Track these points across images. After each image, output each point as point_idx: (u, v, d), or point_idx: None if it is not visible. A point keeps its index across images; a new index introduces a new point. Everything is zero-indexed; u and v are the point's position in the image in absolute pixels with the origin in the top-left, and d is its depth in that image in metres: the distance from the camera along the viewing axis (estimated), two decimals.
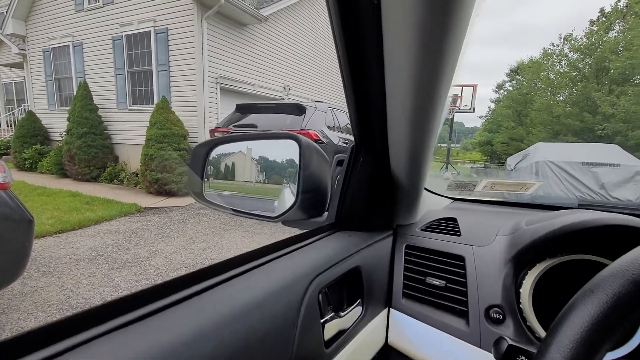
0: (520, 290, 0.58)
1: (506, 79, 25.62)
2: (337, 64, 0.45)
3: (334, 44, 0.44)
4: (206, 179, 0.73)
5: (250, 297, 0.36)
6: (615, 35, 14.75)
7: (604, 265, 0.58)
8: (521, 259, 0.60)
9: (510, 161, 8.11)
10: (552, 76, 17.21)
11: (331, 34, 0.41)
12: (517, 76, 23.26)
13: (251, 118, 4.94)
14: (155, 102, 6.38)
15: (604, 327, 0.27)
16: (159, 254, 3.29)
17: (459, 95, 11.91)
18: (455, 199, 1.13)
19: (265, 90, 8.43)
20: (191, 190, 0.71)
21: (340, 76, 0.48)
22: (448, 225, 0.79)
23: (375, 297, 0.62)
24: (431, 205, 1.01)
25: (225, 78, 7.00)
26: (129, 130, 7.25)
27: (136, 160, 6.42)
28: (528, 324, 0.57)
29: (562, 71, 16.82)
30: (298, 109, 5.16)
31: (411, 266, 0.69)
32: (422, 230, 0.78)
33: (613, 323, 0.27)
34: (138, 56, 7.03)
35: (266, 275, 0.42)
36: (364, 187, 0.66)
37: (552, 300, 0.57)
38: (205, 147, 0.71)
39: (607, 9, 16.51)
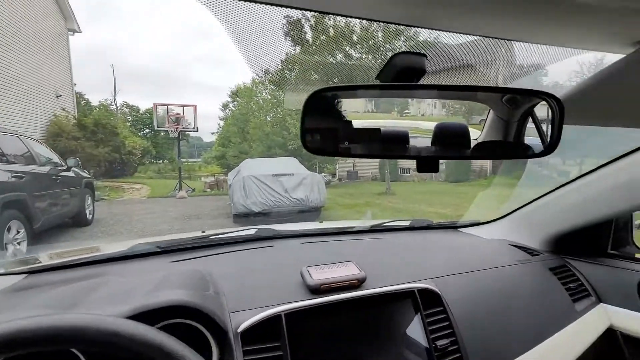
0: None
1: (229, 99, 29.11)
2: None
3: None
4: None
5: None
6: None
7: None
8: None
9: (230, 176, 9.25)
10: (261, 101, 21.33)
11: None
12: (237, 98, 26.97)
13: None
14: None
15: None
16: None
17: (182, 114, 12.21)
18: (31, 272, 1.08)
19: None
20: None
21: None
22: None
23: None
24: None
25: None
26: None
27: None
28: None
29: (267, 98, 21.20)
30: None
31: None
32: None
33: None
34: None
35: None
36: None
37: None
38: None
39: None
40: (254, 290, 0.97)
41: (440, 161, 0.52)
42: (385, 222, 1.74)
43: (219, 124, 30.44)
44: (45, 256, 1.07)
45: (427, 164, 0.48)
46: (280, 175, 7.35)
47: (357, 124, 0.46)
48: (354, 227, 1.69)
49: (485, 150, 0.54)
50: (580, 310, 1.19)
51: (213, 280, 0.97)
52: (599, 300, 1.27)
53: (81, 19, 13.37)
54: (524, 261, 1.29)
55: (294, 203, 7.37)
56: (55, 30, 12.47)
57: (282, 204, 7.28)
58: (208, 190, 12.87)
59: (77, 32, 13.82)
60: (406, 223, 1.76)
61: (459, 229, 1.75)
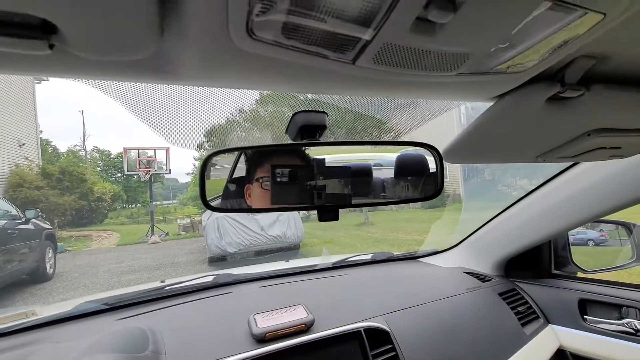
0: None
1: (204, 139, 29.15)
2: None
3: None
4: None
5: None
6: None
7: None
8: None
9: (204, 217, 9.01)
10: (235, 139, 21.57)
11: None
12: (212, 137, 27.08)
13: None
14: None
15: None
16: None
17: (154, 157, 12.04)
18: None
19: None
20: None
21: None
22: None
23: None
24: None
25: None
26: None
27: None
28: None
29: (242, 135, 21.48)
30: None
31: None
32: None
33: None
34: None
35: None
36: None
37: None
38: None
39: None
40: (199, 344, 0.94)
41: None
42: (347, 258, 1.75)
43: (194, 164, 30.10)
44: None
45: (327, 212, 0.51)
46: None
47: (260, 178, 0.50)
48: (316, 265, 1.68)
49: (383, 193, 0.58)
50: (529, 333, 1.22)
51: (155, 338, 0.93)
52: (548, 321, 1.31)
53: None
54: (474, 288, 1.32)
55: (270, 241, 7.24)
56: (20, 80, 12.30)
57: (259, 243, 7.12)
58: (183, 233, 12.42)
59: (44, 80, 13.69)
60: (368, 257, 1.78)
61: (418, 259, 1.79)
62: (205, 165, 0.48)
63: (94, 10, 0.21)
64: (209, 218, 8.01)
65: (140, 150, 11.98)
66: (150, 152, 12.02)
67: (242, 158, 0.57)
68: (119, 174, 25.89)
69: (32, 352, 0.90)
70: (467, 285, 1.33)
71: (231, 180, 0.54)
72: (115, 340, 0.87)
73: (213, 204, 0.49)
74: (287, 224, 7.45)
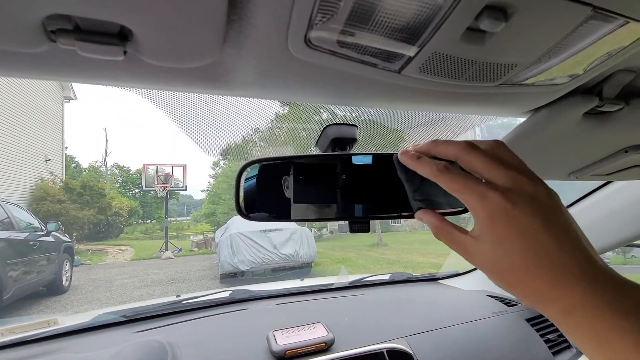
0: None
1: (220, 157, 29.79)
2: None
3: None
4: None
5: None
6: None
7: None
8: None
9: (218, 234, 9.06)
10: (251, 158, 21.90)
11: None
12: (228, 156, 27.59)
13: None
14: None
15: None
16: None
17: (171, 174, 12.35)
18: None
19: None
20: None
21: None
22: None
23: None
24: None
25: None
26: None
27: None
28: None
29: (258, 155, 21.81)
30: None
31: None
32: None
33: None
34: None
35: None
36: None
37: None
38: None
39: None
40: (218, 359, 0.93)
41: None
42: (364, 277, 1.71)
43: (209, 182, 30.67)
44: None
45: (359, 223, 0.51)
46: (269, 231, 7.25)
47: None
48: (332, 284, 1.65)
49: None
50: None
51: (174, 352, 0.92)
52: (580, 352, 1.23)
53: (77, 86, 14.06)
54: (500, 313, 1.26)
55: (283, 259, 7.18)
56: (51, 99, 13.02)
57: (271, 261, 7.07)
58: (195, 249, 12.49)
59: (72, 99, 14.45)
60: (386, 277, 1.74)
61: (438, 281, 1.73)
62: (240, 175, 0.49)
63: (169, 17, 0.23)
64: (223, 235, 8.06)
65: (158, 167, 12.33)
66: (168, 169, 12.35)
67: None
68: (137, 190, 26.59)
69: None
70: (492, 310, 1.27)
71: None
72: (136, 352, 0.87)
73: (247, 212, 0.49)
74: (300, 243, 7.39)
